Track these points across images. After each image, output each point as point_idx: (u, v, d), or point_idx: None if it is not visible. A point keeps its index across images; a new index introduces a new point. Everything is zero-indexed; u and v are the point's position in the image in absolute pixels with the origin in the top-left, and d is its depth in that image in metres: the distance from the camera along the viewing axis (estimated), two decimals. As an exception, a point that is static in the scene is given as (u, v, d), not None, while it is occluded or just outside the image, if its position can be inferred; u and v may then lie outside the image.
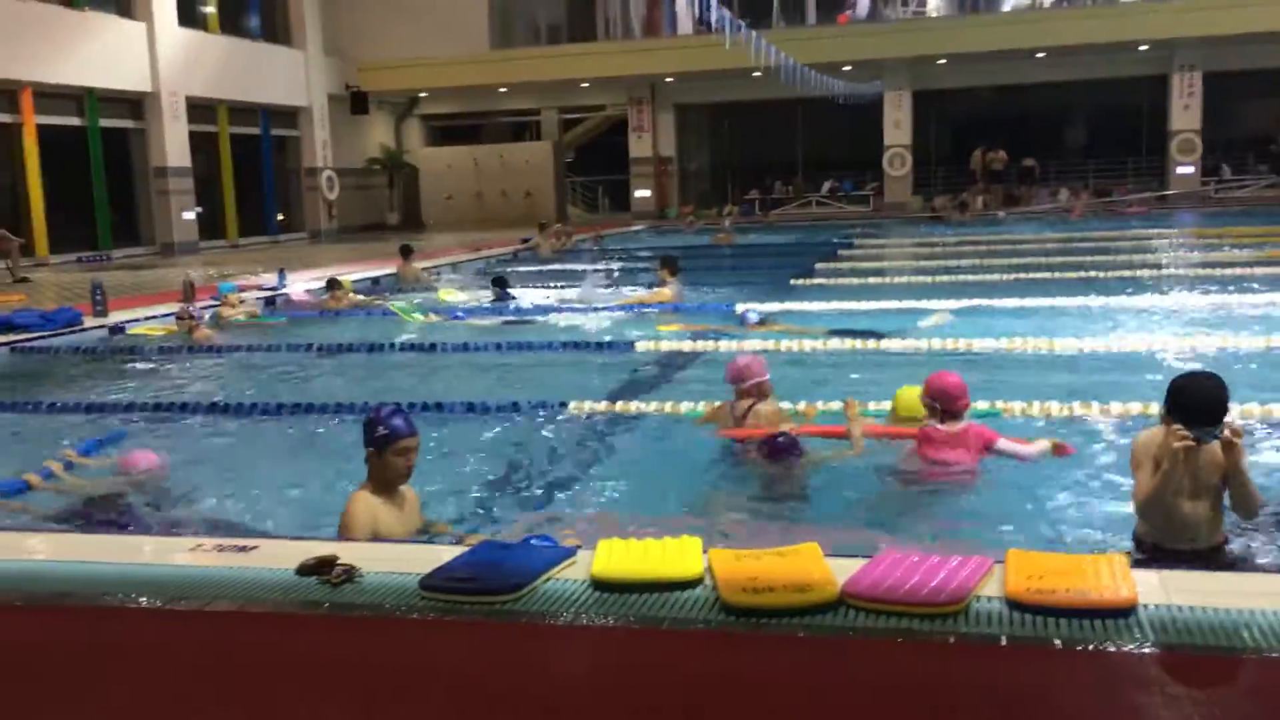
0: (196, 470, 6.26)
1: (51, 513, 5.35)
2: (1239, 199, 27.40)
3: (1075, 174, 30.04)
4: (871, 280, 14.74)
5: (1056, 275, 13.60)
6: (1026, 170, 29.53)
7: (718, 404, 6.49)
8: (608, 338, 10.36)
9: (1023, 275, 13.72)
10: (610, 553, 3.71)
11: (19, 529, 4.88)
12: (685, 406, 6.97)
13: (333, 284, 13.48)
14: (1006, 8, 29.09)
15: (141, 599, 3.60)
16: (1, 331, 10.85)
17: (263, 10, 27.40)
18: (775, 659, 3.10)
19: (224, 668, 3.23)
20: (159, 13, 22.98)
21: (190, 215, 23.89)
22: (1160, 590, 3.32)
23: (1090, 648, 3.00)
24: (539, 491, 5.76)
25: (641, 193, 31.63)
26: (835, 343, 9.47)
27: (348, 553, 3.81)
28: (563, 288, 14.72)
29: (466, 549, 3.89)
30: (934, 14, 29.58)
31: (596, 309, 12.29)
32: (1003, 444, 5.46)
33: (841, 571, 3.43)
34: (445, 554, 3.79)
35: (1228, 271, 13.43)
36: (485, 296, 13.61)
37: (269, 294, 14.10)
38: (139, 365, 9.97)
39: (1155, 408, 5.52)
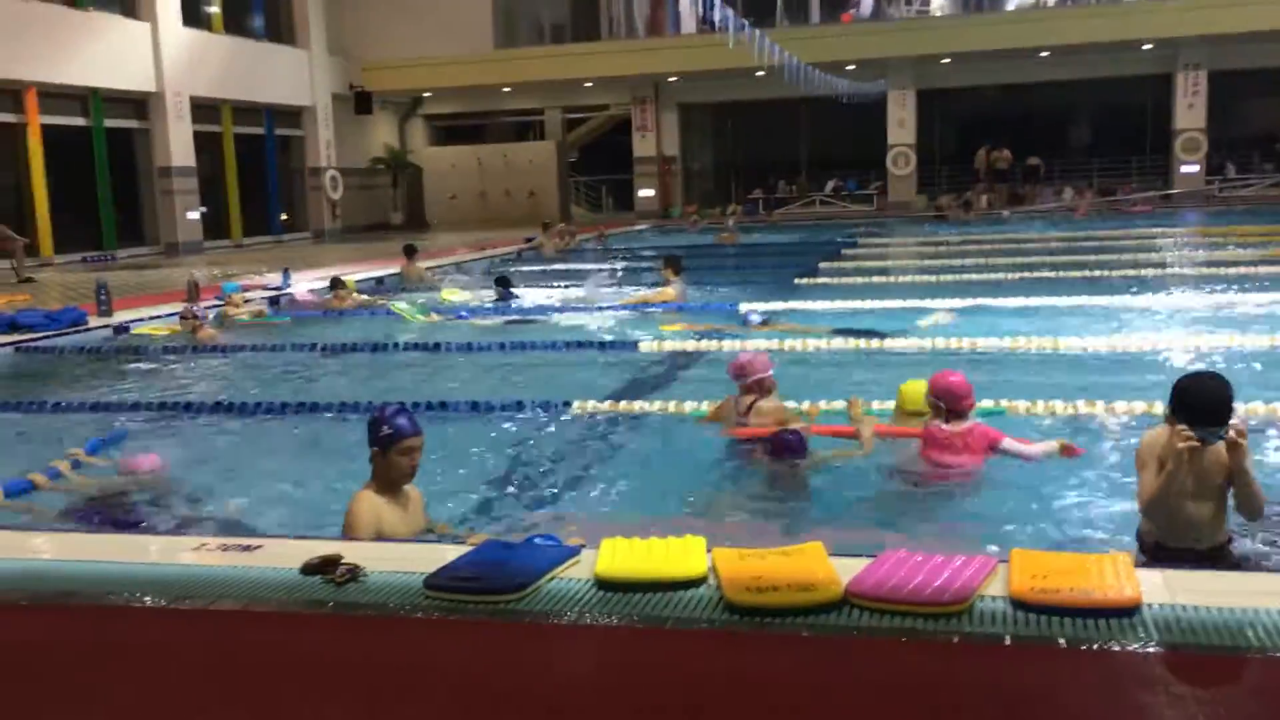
0: (201, 470, 6.27)
1: (55, 512, 5.35)
2: (1244, 198, 27.36)
3: (1080, 173, 30.01)
4: (875, 279, 14.72)
5: (1061, 274, 13.59)
6: (1031, 169, 29.52)
7: (720, 401, 6.49)
8: (611, 337, 10.36)
9: (1027, 274, 13.71)
10: (614, 552, 3.71)
11: (23, 528, 4.88)
12: (689, 406, 6.97)
13: (336, 283, 13.48)
14: (1010, 7, 29.07)
15: (146, 598, 3.60)
16: (6, 331, 10.87)
17: (267, 10, 27.42)
18: (779, 658, 3.10)
19: (228, 667, 3.23)
20: (163, 13, 23.01)
21: (194, 215, 23.92)
22: (1164, 590, 3.32)
23: (1094, 647, 2.99)
24: (543, 491, 5.76)
25: (645, 192, 31.63)
26: (839, 342, 9.47)
27: (352, 552, 3.82)
28: (566, 287, 14.73)
29: (470, 548, 3.89)
30: (938, 13, 29.55)
31: (600, 308, 12.29)
32: (1008, 444, 5.44)
33: (845, 571, 3.43)
34: (449, 553, 3.79)
35: (1232, 270, 13.41)
36: (488, 296, 13.61)
37: (273, 294, 14.12)
38: (143, 365, 9.99)
39: (1160, 407, 5.52)
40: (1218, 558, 4.03)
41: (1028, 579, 3.32)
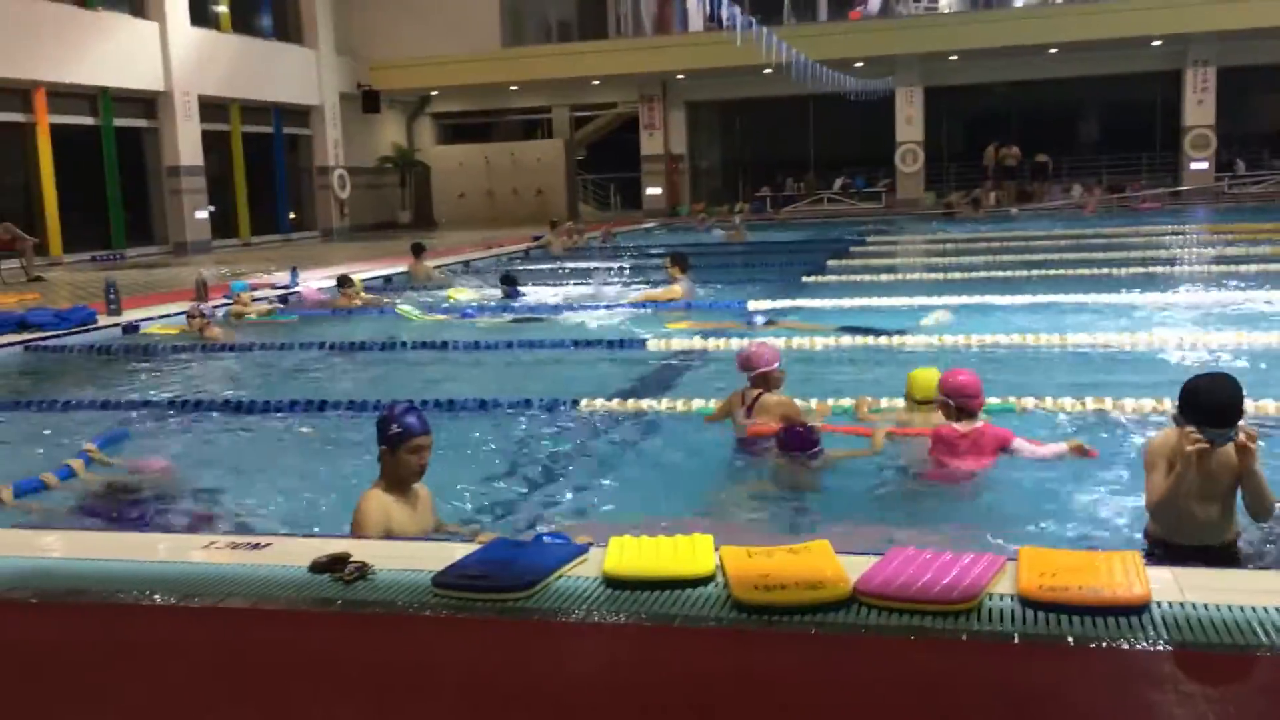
0: (210, 468, 6.29)
1: (59, 511, 5.35)
2: (1253, 194, 27.27)
3: (1088, 170, 29.93)
4: (884, 277, 14.70)
5: (1070, 272, 13.55)
6: (1039, 166, 29.44)
7: (727, 398, 6.49)
8: (619, 336, 10.36)
9: (1036, 271, 13.67)
10: (622, 550, 3.71)
11: (32, 526, 4.90)
12: (696, 404, 6.97)
13: (344, 281, 13.51)
14: (1018, 3, 28.98)
15: (155, 596, 3.61)
16: (16, 330, 10.91)
17: (275, 9, 27.49)
18: (787, 656, 3.10)
19: (237, 665, 3.24)
20: (172, 12, 23.07)
21: (203, 214, 23.98)
22: (1174, 588, 3.31)
23: (1103, 645, 2.99)
24: (551, 489, 5.76)
25: (653, 190, 31.63)
26: (846, 340, 9.46)
27: (360, 550, 3.82)
28: (574, 285, 14.73)
29: (479, 546, 3.90)
30: (946, 9, 29.50)
31: (607, 306, 12.30)
32: (1018, 445, 5.43)
33: (853, 569, 3.42)
34: (458, 551, 3.80)
35: (1242, 268, 13.36)
36: (495, 295, 13.62)
37: (281, 292, 14.14)
38: (152, 364, 10.01)
39: (1169, 404, 5.52)
40: (1227, 556, 4.02)
41: (1036, 577, 3.32)
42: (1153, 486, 4.04)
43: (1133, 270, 13.49)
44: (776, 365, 6.18)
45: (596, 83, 30.64)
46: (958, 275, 13.90)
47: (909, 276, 15.08)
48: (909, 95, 29.25)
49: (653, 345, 9.51)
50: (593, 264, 17.45)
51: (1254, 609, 3.15)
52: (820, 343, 9.33)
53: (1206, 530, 4.01)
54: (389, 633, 3.35)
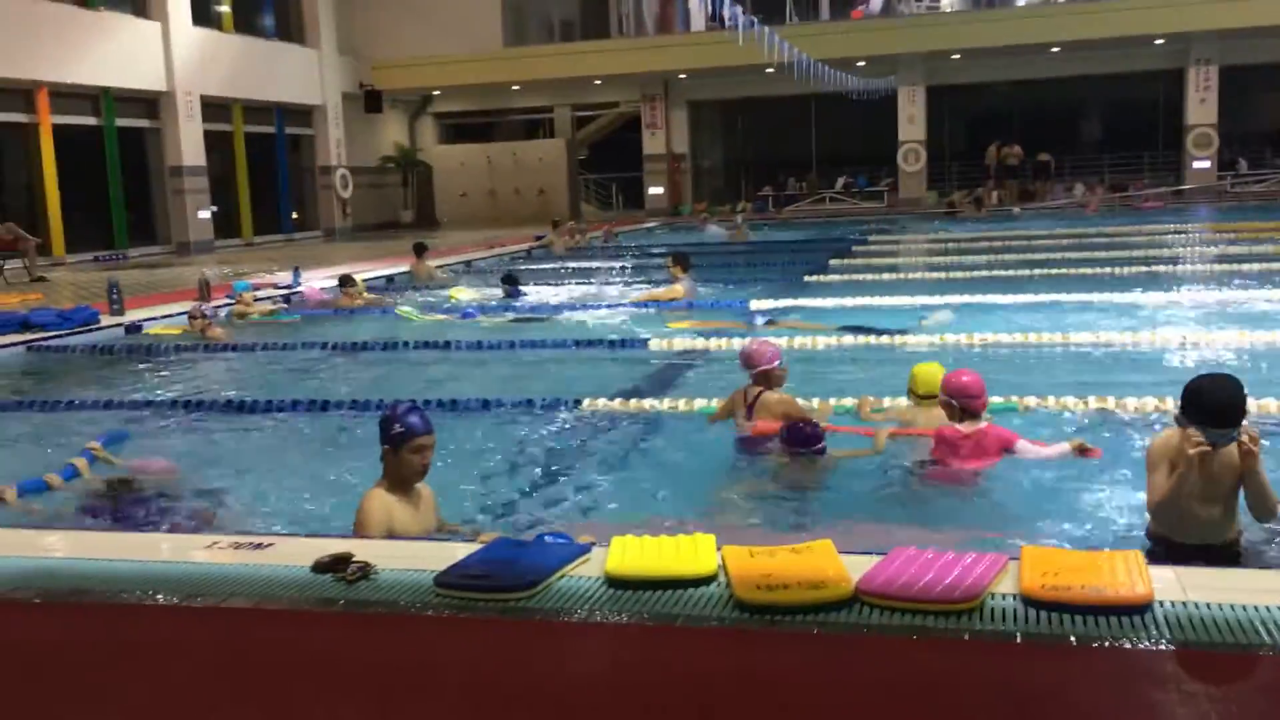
0: (212, 468, 6.29)
1: (62, 513, 5.35)
2: (1256, 193, 27.24)
3: (1091, 169, 29.91)
4: (886, 276, 14.70)
5: (1072, 271, 13.54)
6: (1042, 165, 29.41)
7: (729, 397, 6.49)
8: (621, 335, 10.37)
9: (1038, 271, 13.66)
10: (624, 550, 3.71)
11: (36, 526, 4.91)
12: (698, 404, 6.97)
13: (346, 281, 13.51)
14: (1021, 2, 28.96)
15: (158, 596, 3.62)
16: (19, 330, 10.93)
17: (277, 9, 27.50)
18: (789, 656, 3.10)
19: (240, 665, 3.25)
20: (174, 12, 23.08)
21: (205, 214, 24.00)
22: (1176, 587, 3.31)
23: (1106, 645, 2.99)
24: (553, 489, 5.77)
25: (655, 190, 31.63)
26: (848, 339, 9.46)
27: (363, 550, 3.82)
28: (576, 285, 14.74)
29: (481, 546, 3.90)
30: (948, 9, 29.48)
31: (609, 306, 12.30)
32: (1022, 446, 5.42)
33: (855, 568, 3.43)
34: (460, 551, 3.80)
35: (1245, 266, 13.35)
36: (496, 294, 13.62)
37: (284, 292, 14.15)
38: (155, 364, 10.02)
39: (1171, 403, 5.51)
40: (1228, 555, 4.02)
41: (1038, 576, 3.32)
42: (1154, 487, 4.04)
43: (1135, 269, 13.48)
44: (777, 363, 6.19)
45: (598, 82, 30.64)
46: (960, 274, 13.89)
47: (911, 276, 15.08)
48: (911, 94, 29.24)
49: (655, 345, 9.51)
50: (595, 264, 17.46)
51: (1256, 608, 3.15)
52: (822, 342, 9.32)
53: (1208, 530, 4.01)
54: (391, 632, 3.35)
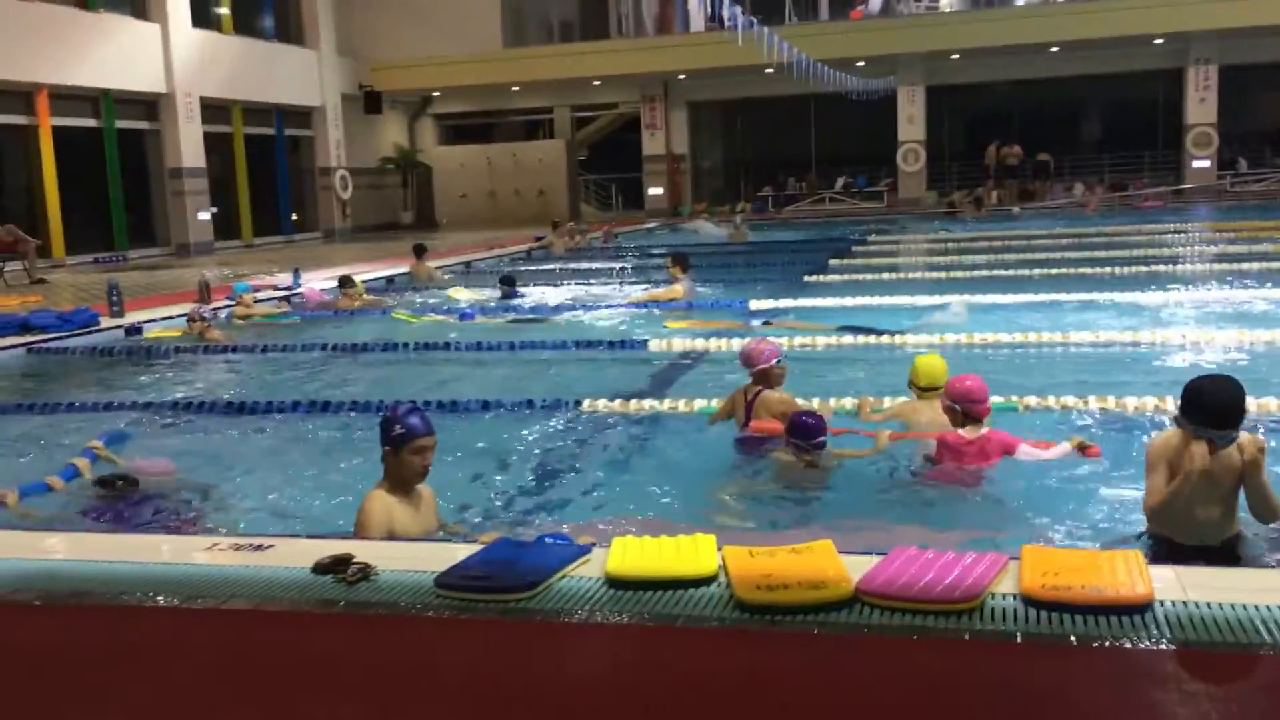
0: (213, 469, 6.29)
1: (62, 517, 5.34)
2: (1255, 192, 27.24)
3: (1090, 168, 29.91)
4: (886, 276, 14.70)
5: (1072, 270, 13.54)
6: (1041, 165, 29.41)
7: (729, 396, 6.49)
8: (620, 336, 10.37)
9: (1038, 270, 13.67)
10: (625, 550, 3.71)
11: (36, 529, 4.91)
12: (698, 404, 6.97)
13: (345, 282, 13.52)
14: (1020, 2, 28.96)
15: (159, 598, 3.62)
16: (19, 332, 10.93)
17: (276, 11, 27.50)
18: (789, 656, 3.10)
19: (240, 666, 3.25)
20: (173, 14, 23.07)
21: (205, 216, 23.99)
22: (1176, 587, 3.31)
23: (1106, 645, 2.99)
24: (553, 489, 5.77)
25: (655, 190, 31.63)
26: (847, 339, 9.46)
27: (363, 551, 3.83)
28: (576, 286, 14.74)
29: (481, 547, 3.90)
30: (947, 9, 29.47)
31: (609, 307, 12.30)
32: (1024, 450, 5.42)
33: (856, 568, 3.43)
34: (460, 552, 3.80)
35: (1244, 266, 13.36)
36: (495, 295, 13.62)
37: (284, 293, 14.16)
38: (155, 365, 10.03)
39: (1171, 402, 5.52)
40: (1228, 554, 4.02)
41: (1039, 576, 3.32)
42: (1153, 488, 4.04)
43: (1135, 269, 13.49)
44: (776, 361, 6.19)
45: (598, 83, 30.64)
46: (960, 274, 13.89)
47: (911, 276, 15.08)
48: (911, 94, 29.24)
49: (654, 346, 9.52)
50: (594, 264, 17.46)
51: (1257, 607, 3.15)
52: (821, 342, 9.33)
53: (1208, 531, 4.01)
54: (392, 634, 3.35)
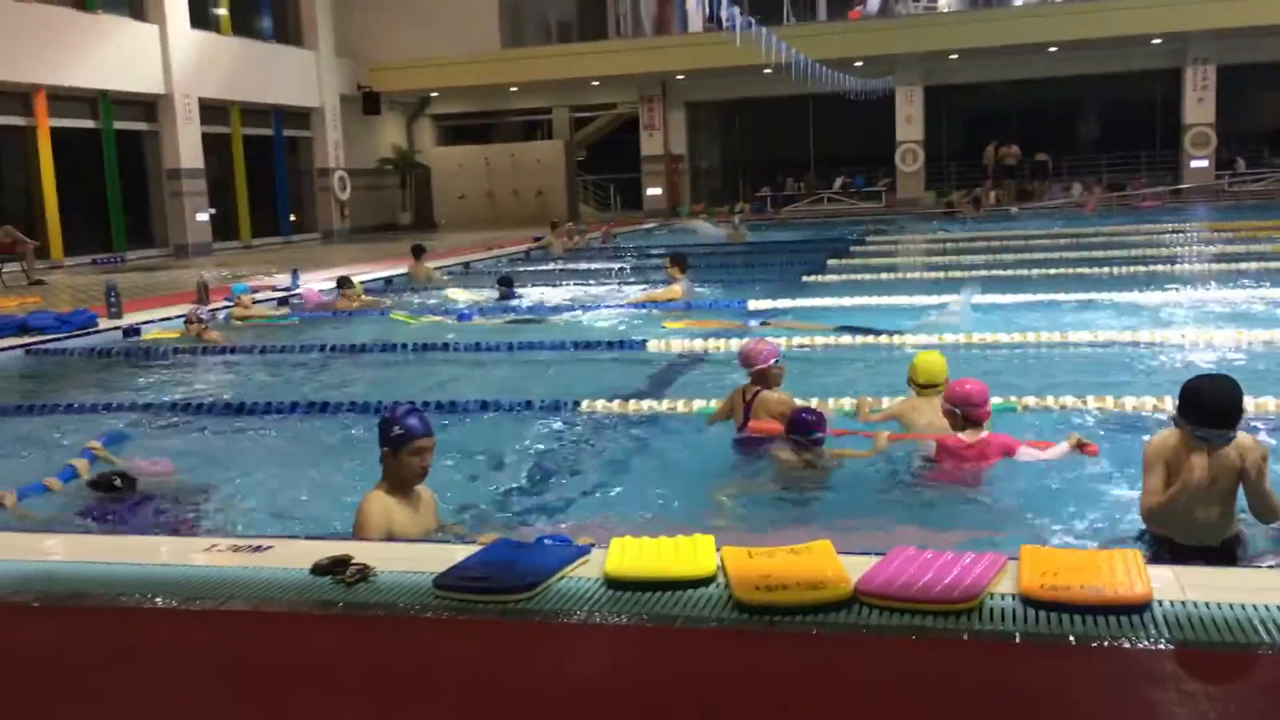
0: (211, 470, 6.29)
1: (61, 518, 5.34)
2: (1253, 192, 27.26)
3: (1088, 168, 29.92)
4: (884, 276, 14.70)
5: (1070, 270, 13.55)
6: (1039, 165, 29.43)
7: (728, 397, 6.49)
8: (619, 337, 10.37)
9: (1036, 270, 13.67)
10: (623, 551, 3.71)
11: (35, 530, 4.90)
12: (697, 404, 6.97)
13: (343, 283, 13.52)
14: (1018, 2, 28.98)
15: (157, 599, 3.62)
16: (17, 334, 10.92)
17: (274, 12, 27.48)
18: (788, 657, 3.10)
19: (239, 667, 3.25)
20: (171, 15, 23.06)
21: (203, 216, 23.98)
22: (1175, 586, 3.31)
23: (1105, 645, 2.99)
24: (552, 490, 5.77)
25: (653, 191, 31.64)
26: (846, 339, 9.46)
27: (362, 552, 3.83)
28: (575, 286, 14.74)
29: (480, 548, 3.90)
30: (945, 9, 29.49)
31: (607, 307, 12.30)
32: (1023, 454, 5.42)
33: (854, 569, 3.43)
34: (459, 553, 3.80)
35: (1243, 265, 13.37)
36: (493, 296, 13.62)
37: (282, 294, 14.15)
38: (154, 366, 10.02)
39: (1169, 402, 5.52)
40: (1227, 554, 4.02)
41: (1037, 576, 3.32)
42: (1150, 489, 4.04)
43: (1133, 269, 13.50)
44: (774, 361, 6.18)
45: (596, 83, 30.63)
46: (958, 274, 13.89)
47: (909, 276, 15.08)
48: (909, 94, 29.25)
49: (653, 346, 9.51)
50: (593, 265, 17.46)
51: (1255, 607, 3.15)
52: (820, 342, 9.33)
53: (1206, 531, 4.01)
54: (390, 635, 3.35)
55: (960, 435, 5.41)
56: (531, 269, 17.47)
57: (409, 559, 3.83)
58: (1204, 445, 3.85)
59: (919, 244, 20.25)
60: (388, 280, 16.02)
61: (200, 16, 24.31)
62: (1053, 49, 27.27)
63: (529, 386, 8.38)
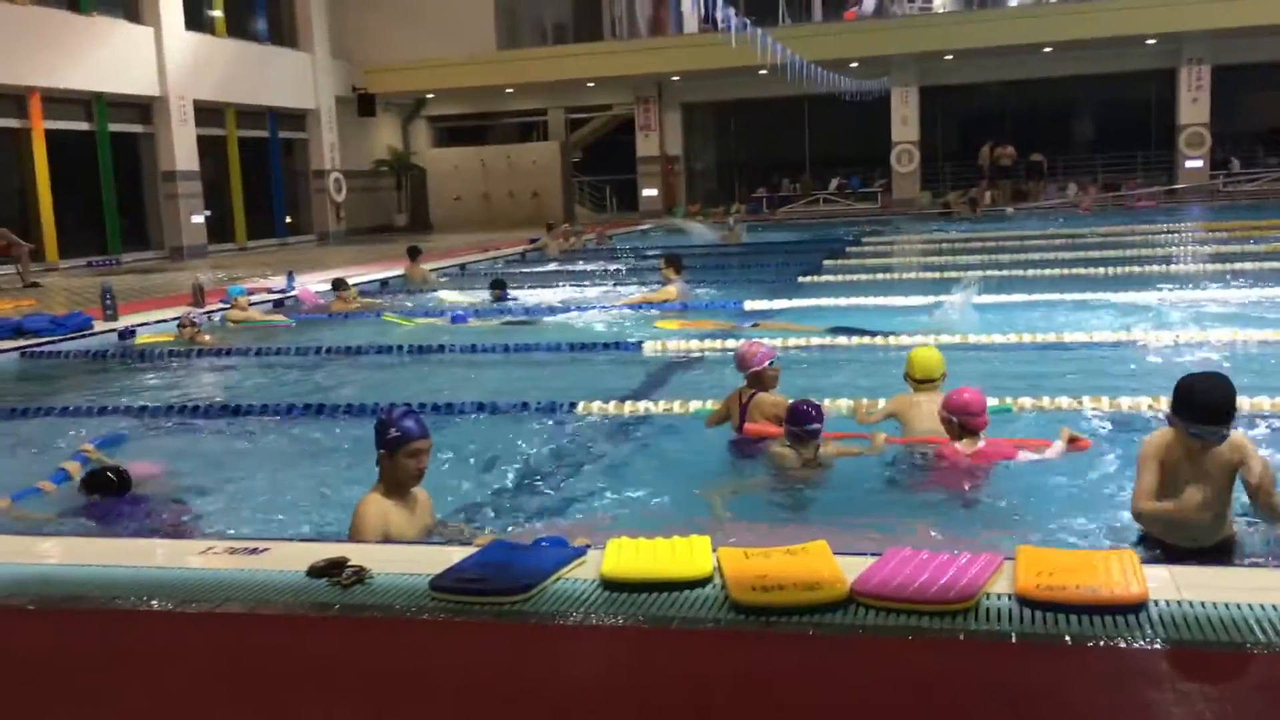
0: (207, 472, 6.28)
1: (55, 521, 5.33)
2: (1248, 192, 27.29)
3: (1083, 169, 29.97)
4: (880, 277, 14.71)
5: (1065, 270, 13.57)
6: (1035, 165, 29.47)
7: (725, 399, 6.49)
8: (615, 338, 10.37)
9: (1032, 271, 13.69)
10: (620, 552, 3.71)
11: (30, 533, 4.89)
12: (693, 405, 6.97)
13: (338, 285, 13.50)
14: (1013, 3, 29.01)
15: (153, 602, 3.61)
16: (12, 336, 10.90)
17: (269, 13, 27.44)
18: (785, 657, 3.10)
19: (235, 670, 3.24)
20: (166, 17, 23.03)
21: (199, 218, 23.94)
22: (1171, 586, 3.32)
23: (1100, 644, 2.99)
24: (549, 492, 5.76)
25: (649, 192, 31.64)
26: (841, 340, 9.46)
27: (358, 554, 3.82)
28: (571, 287, 14.73)
29: (476, 550, 3.90)
30: (940, 9, 29.52)
31: (603, 308, 12.30)
32: (1022, 458, 5.43)
33: (851, 569, 3.43)
34: (455, 555, 3.80)
35: (1237, 265, 13.39)
36: (486, 298, 13.61)
37: (278, 296, 14.14)
38: (148, 369, 10.01)
39: (1164, 402, 5.52)
40: (1222, 553, 4.03)
41: (1033, 576, 3.32)
42: (1142, 489, 4.04)
43: (1128, 269, 13.52)
44: (769, 363, 6.18)
45: (592, 85, 30.63)
46: (954, 275, 13.89)
47: (905, 276, 15.10)
48: (904, 95, 29.28)
49: (648, 347, 9.51)
50: (589, 266, 17.47)
51: (1250, 606, 3.16)
52: (815, 343, 9.33)
53: (1201, 532, 4.01)
54: (387, 637, 3.35)
55: (957, 445, 5.40)
56: (527, 270, 17.46)
57: (405, 561, 3.83)
58: (1198, 443, 3.85)
59: (915, 245, 20.27)
60: (384, 282, 16.01)
61: (195, 18, 24.27)
62: (1047, 49, 27.31)
63: (525, 388, 8.37)
